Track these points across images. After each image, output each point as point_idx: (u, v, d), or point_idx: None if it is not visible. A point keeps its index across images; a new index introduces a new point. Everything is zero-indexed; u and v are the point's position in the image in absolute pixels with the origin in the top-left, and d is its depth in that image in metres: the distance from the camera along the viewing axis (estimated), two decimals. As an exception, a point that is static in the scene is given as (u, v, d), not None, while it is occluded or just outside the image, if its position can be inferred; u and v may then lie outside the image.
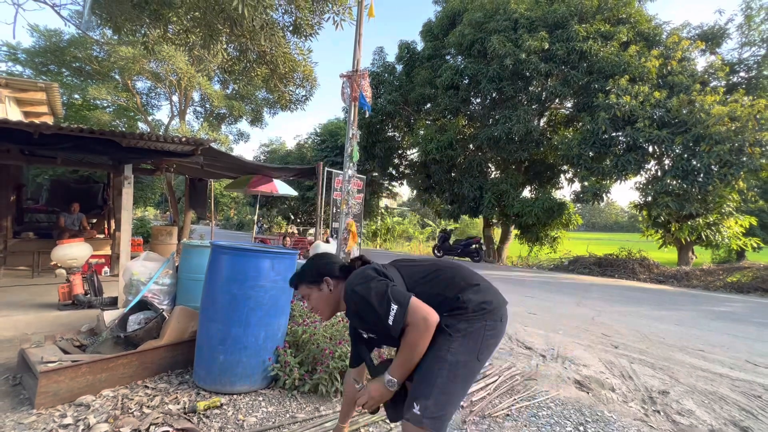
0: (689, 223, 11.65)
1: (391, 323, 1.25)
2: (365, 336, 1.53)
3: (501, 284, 9.46)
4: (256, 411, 2.32)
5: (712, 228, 11.76)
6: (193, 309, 2.90)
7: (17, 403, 2.23)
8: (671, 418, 2.64)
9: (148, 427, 2.01)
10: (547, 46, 12.22)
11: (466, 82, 14.27)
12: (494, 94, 14.11)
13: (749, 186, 11.45)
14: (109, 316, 2.98)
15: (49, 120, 8.67)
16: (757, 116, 10.08)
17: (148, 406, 2.24)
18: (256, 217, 12.05)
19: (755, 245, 13.27)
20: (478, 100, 15.38)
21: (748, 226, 12.48)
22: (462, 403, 2.56)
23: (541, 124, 15.22)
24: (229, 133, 15.81)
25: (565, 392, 2.94)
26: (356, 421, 2.24)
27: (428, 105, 16.40)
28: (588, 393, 2.99)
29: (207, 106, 14.37)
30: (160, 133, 12.17)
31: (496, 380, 3.02)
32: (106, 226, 8.66)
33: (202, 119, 15.11)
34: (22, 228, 7.43)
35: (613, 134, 11.69)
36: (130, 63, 11.89)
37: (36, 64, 13.79)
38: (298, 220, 24.31)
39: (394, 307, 1.25)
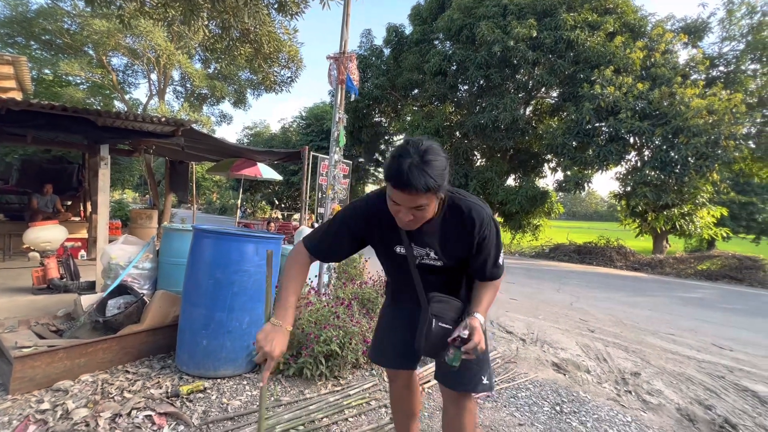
0: (665, 213, 12.06)
1: (501, 263, 1.34)
2: (430, 261, 1.34)
3: (484, 270, 9.62)
4: (240, 394, 2.32)
5: (686, 218, 12.22)
6: (174, 293, 2.85)
7: (-9, 389, 2.17)
8: (642, 398, 2.77)
9: (130, 412, 1.99)
10: (535, 34, 12.22)
11: (454, 68, 14.19)
12: (482, 82, 14.10)
13: (723, 178, 11.89)
14: (87, 300, 2.90)
15: (18, 96, 8.22)
16: (734, 110, 10.40)
17: (129, 391, 2.21)
18: (239, 202, 11.84)
19: (725, 235, 13.86)
20: (466, 87, 15.35)
21: (719, 217, 13.01)
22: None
23: (527, 112, 15.33)
24: (211, 115, 15.31)
25: (543, 374, 3.04)
26: (343, 404, 2.27)
27: (416, 91, 16.28)
28: (565, 375, 3.10)
29: (187, 85, 13.84)
30: (138, 112, 11.72)
31: (477, 363, 3.10)
32: (82, 208, 8.38)
33: (182, 99, 14.58)
34: (-8, 209, 7.11)
35: (596, 124, 11.90)
36: (105, 37, 11.28)
37: (1, 36, 12.96)
38: (283, 206, 24.03)
39: (503, 253, 1.37)
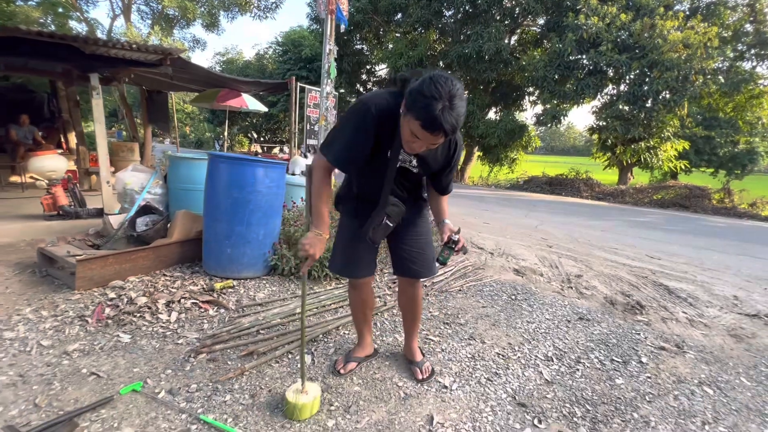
0: (632, 146, 12.76)
1: (451, 180, 1.71)
2: (410, 167, 1.58)
3: (462, 200, 10.15)
4: (262, 290, 2.88)
5: (651, 151, 13.00)
6: (194, 213, 3.27)
7: (56, 287, 2.63)
8: (579, 291, 3.52)
9: (179, 299, 2.52)
10: (524, -45, 11.62)
11: (440, -9, 13.49)
12: (467, 7, 13.55)
13: (690, 112, 12.47)
14: (115, 219, 3.29)
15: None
16: (707, 44, 10.63)
17: (172, 288, 2.72)
18: (226, 134, 11.69)
19: (683, 167, 14.88)
20: (451, 13, 14.72)
21: (681, 150, 13.87)
22: (425, 282, 3.27)
23: (512, 42, 15.04)
24: (183, 39, 14.15)
25: (505, 276, 3.75)
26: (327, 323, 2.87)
27: (399, 15, 15.49)
28: (522, 277, 3.82)
29: (153, 5, 12.63)
30: (100, 35, 10.85)
31: (452, 269, 3.76)
32: (63, 140, 8.24)
33: (149, 20, 13.37)
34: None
35: (578, 57, 11.96)
36: (52, -56, 10.00)
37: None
38: (262, 139, 23.50)
39: None
